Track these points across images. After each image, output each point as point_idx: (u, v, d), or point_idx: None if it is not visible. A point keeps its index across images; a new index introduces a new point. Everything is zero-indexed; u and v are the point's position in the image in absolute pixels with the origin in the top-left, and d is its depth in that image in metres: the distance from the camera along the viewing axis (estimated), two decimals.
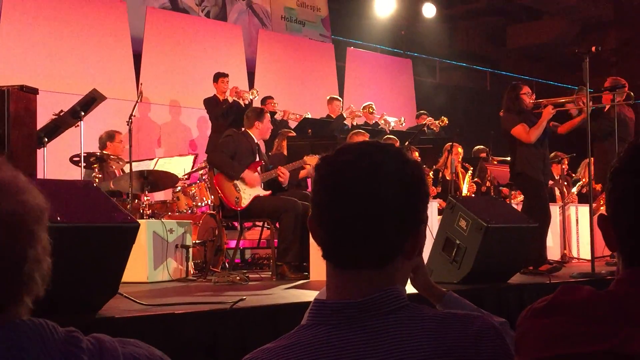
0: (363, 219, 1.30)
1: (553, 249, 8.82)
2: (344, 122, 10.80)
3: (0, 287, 1.00)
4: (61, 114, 6.55)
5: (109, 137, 7.90)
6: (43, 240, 1.04)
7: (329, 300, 1.33)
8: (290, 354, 1.26)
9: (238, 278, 5.84)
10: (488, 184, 9.66)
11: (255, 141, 7.00)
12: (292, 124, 10.47)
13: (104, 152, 7.30)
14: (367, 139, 7.69)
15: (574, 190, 9.96)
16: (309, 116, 10.63)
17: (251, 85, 11.30)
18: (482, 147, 10.81)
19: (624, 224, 1.28)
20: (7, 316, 1.00)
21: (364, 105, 11.37)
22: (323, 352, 1.25)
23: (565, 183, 10.17)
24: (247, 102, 10.06)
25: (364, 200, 1.30)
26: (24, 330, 0.99)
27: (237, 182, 6.71)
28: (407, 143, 9.10)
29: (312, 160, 7.01)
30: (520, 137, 6.82)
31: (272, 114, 9.57)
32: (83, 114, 6.51)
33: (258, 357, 1.29)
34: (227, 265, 7.02)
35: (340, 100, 11.36)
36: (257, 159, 6.94)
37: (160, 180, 7.13)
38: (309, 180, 8.18)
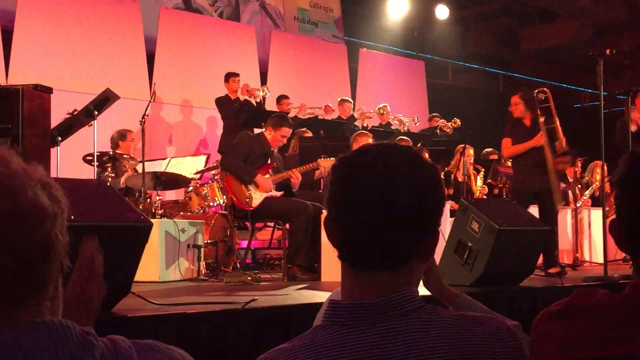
0: (380, 221, 1.30)
1: (566, 252, 8.79)
2: (355, 123, 10.81)
3: (10, 287, 0.98)
4: (75, 113, 6.58)
5: (121, 136, 7.91)
6: (52, 240, 1.01)
7: (343, 301, 1.33)
8: (305, 355, 1.26)
9: (249, 278, 5.84)
10: (500, 185, 9.64)
11: (269, 144, 6.98)
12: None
13: (117, 151, 7.32)
14: (370, 140, 7.67)
15: (587, 193, 9.92)
16: (323, 109, 10.73)
17: (263, 85, 11.31)
18: (491, 149, 10.79)
19: (630, 228, 1.30)
20: (22, 316, 0.98)
21: (378, 106, 11.38)
22: (338, 352, 1.25)
23: (579, 185, 10.13)
24: (258, 100, 10.09)
25: (381, 202, 1.30)
26: (37, 332, 0.97)
27: None
28: (419, 145, 9.09)
29: (325, 162, 6.99)
30: (502, 149, 7.06)
31: (286, 113, 9.57)
32: (96, 113, 6.53)
33: (274, 357, 1.29)
34: (238, 266, 7.03)
35: (351, 102, 11.37)
36: (269, 162, 6.94)
37: (172, 180, 7.16)
38: (322, 181, 8.17)
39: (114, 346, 1.04)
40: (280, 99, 10.64)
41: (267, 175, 6.81)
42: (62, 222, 1.04)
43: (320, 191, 7.97)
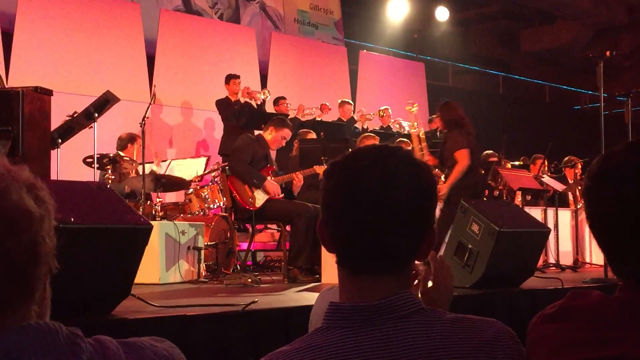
0: (382, 225, 1.31)
1: (566, 254, 8.79)
2: (355, 125, 10.82)
3: None
4: (75, 115, 6.58)
5: (131, 139, 7.87)
6: (39, 243, 0.99)
7: (344, 303, 1.33)
8: (306, 357, 1.26)
9: (250, 280, 5.84)
10: (501, 187, 9.63)
11: (268, 145, 7.00)
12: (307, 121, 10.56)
13: (120, 153, 7.31)
14: (377, 142, 7.70)
15: None
16: (319, 108, 10.76)
17: (264, 87, 11.33)
18: (491, 151, 10.79)
19: (600, 236, 1.34)
20: (9, 320, 0.97)
21: (380, 109, 11.39)
22: (338, 355, 1.26)
23: (579, 187, 10.13)
24: (259, 102, 10.10)
25: (382, 206, 1.30)
26: (25, 336, 0.96)
27: None
28: None
29: (322, 170, 6.99)
30: None
31: (285, 115, 9.59)
32: (97, 115, 6.53)
33: None
34: (238, 268, 7.03)
35: (351, 104, 11.38)
36: (268, 164, 6.96)
37: (173, 182, 7.16)
38: None
39: (102, 348, 1.02)
40: (278, 99, 10.68)
41: (269, 178, 6.82)
42: (49, 225, 1.02)
43: None
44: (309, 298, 4.73)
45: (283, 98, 10.69)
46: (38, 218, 1.00)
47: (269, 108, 10.61)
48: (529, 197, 9.46)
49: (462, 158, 7.10)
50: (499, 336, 1.29)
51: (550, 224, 8.36)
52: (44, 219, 1.01)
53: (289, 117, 10.08)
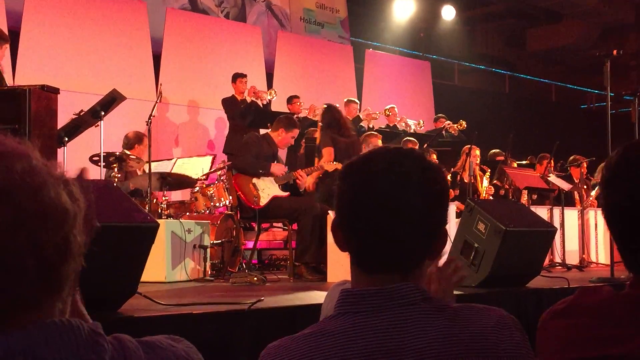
0: (395, 228, 1.32)
1: (572, 253, 8.77)
2: (361, 124, 10.82)
3: (28, 289, 0.95)
4: (81, 113, 6.59)
5: (138, 139, 7.80)
6: (70, 241, 0.98)
7: (355, 289, 1.35)
8: (314, 342, 1.28)
9: (255, 279, 5.85)
10: (507, 186, 9.62)
11: (276, 145, 7.02)
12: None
13: (125, 151, 7.31)
14: (380, 141, 7.72)
15: (593, 194, 9.91)
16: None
17: (270, 86, 11.34)
18: (498, 150, 10.79)
19: (615, 227, 1.33)
20: (33, 317, 0.96)
21: (386, 107, 11.39)
22: (348, 339, 1.27)
23: (585, 187, 10.12)
24: (265, 102, 10.11)
25: (396, 209, 1.32)
26: (47, 334, 0.95)
27: (256, 182, 6.73)
28: (425, 145, 9.09)
29: (329, 166, 6.99)
30: None
31: (296, 114, 9.61)
32: (103, 113, 6.54)
33: (284, 345, 1.31)
34: (244, 266, 7.03)
35: (357, 103, 11.38)
36: (276, 162, 6.97)
37: (179, 180, 7.17)
38: None
39: (122, 347, 1.02)
40: (292, 98, 10.69)
41: (280, 165, 6.89)
42: (80, 222, 1.01)
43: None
44: (315, 297, 4.73)
45: (296, 97, 10.70)
46: (72, 215, 0.99)
47: (281, 106, 10.61)
48: (535, 197, 9.44)
49: (327, 154, 7.20)
50: (503, 322, 1.32)
51: (557, 223, 8.35)
52: (77, 216, 1.01)
53: (301, 117, 10.09)
